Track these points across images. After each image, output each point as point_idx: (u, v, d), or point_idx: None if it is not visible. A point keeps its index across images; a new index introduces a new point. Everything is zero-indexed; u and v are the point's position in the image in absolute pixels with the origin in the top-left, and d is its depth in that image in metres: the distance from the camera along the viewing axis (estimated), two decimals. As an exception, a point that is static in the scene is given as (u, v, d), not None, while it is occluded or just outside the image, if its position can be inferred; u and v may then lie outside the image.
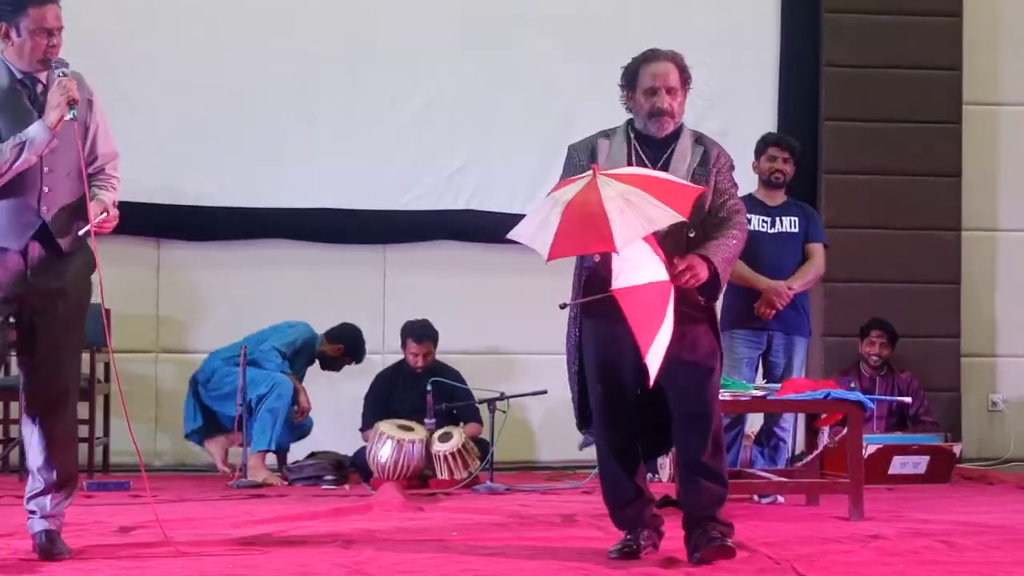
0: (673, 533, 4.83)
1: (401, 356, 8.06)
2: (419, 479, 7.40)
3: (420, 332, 7.88)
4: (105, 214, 4.78)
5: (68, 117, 4.66)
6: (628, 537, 4.76)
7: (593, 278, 4.64)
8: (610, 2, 8.77)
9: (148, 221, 8.39)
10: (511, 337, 8.73)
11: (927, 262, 8.86)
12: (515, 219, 8.86)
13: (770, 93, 8.92)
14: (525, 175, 8.62)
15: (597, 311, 4.63)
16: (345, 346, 8.11)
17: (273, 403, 7.67)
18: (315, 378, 8.51)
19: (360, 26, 8.61)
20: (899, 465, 7.59)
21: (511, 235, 4.52)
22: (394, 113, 8.60)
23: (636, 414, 4.75)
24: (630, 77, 4.76)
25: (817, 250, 6.98)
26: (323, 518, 5.86)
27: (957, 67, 8.98)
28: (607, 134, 4.80)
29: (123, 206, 8.23)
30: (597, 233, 4.30)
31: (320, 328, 8.09)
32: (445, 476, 7.39)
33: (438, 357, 8.01)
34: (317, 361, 8.14)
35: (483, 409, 7.57)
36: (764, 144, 7.03)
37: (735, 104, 8.71)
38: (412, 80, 8.62)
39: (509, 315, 8.69)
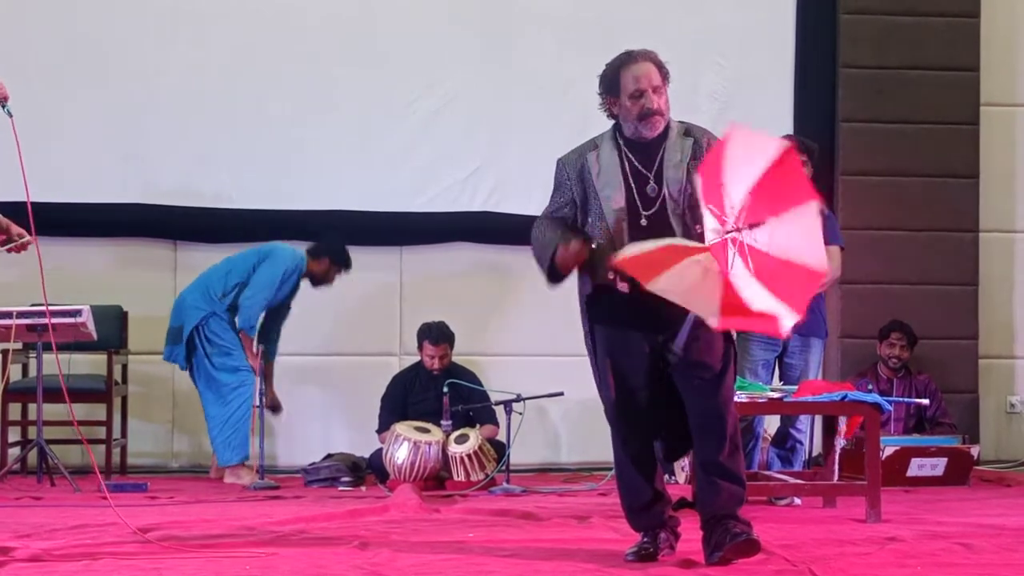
0: (690, 535, 4.82)
1: (417, 358, 8.06)
2: (435, 481, 7.41)
3: (436, 334, 7.88)
4: (25, 238, 4.89)
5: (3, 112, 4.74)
6: (645, 539, 4.75)
7: (596, 294, 4.61)
8: (626, 3, 8.75)
9: (165, 223, 8.44)
10: (527, 339, 8.72)
11: (944, 264, 8.84)
12: (532, 220, 8.92)
13: (787, 95, 8.90)
14: (541, 176, 8.50)
15: (607, 317, 4.62)
16: (329, 258, 8.06)
17: (237, 410, 7.71)
18: (333, 379, 8.53)
19: (376, 28, 8.62)
20: (917, 467, 7.57)
21: (658, 290, 4.35)
22: (410, 115, 8.61)
23: (651, 418, 4.74)
24: (611, 84, 4.71)
25: (833, 253, 6.94)
26: (339, 519, 5.86)
27: (975, 68, 8.95)
28: (595, 143, 4.74)
29: (141, 208, 8.41)
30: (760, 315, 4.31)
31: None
32: (461, 478, 7.39)
33: (454, 359, 8.02)
34: (309, 280, 8.08)
35: (499, 411, 7.57)
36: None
37: (751, 106, 8.69)
38: (428, 82, 8.62)
39: (525, 317, 8.69)
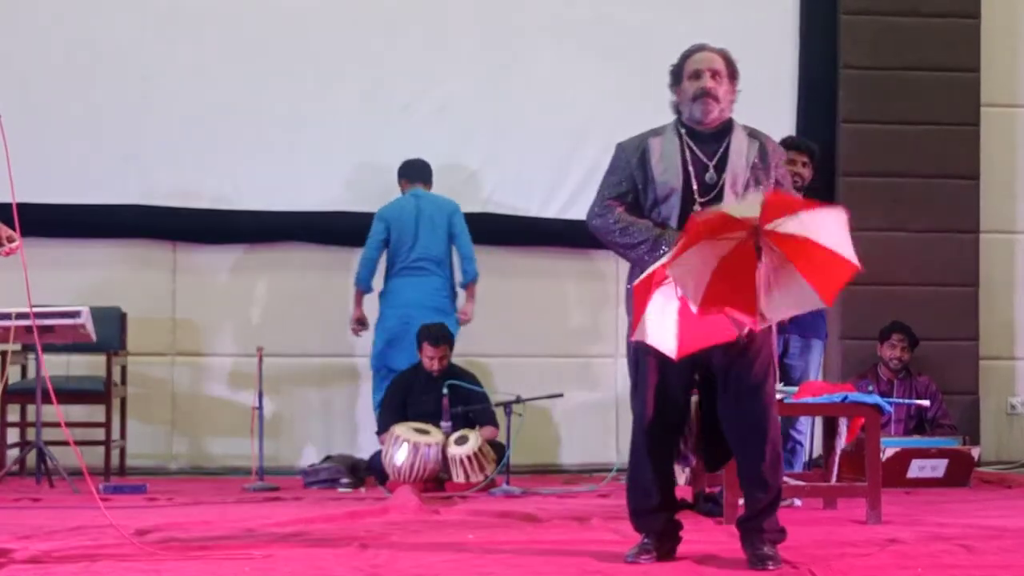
0: (691, 537, 4.82)
1: (417, 359, 8.04)
2: (435, 482, 7.39)
3: (436, 335, 7.86)
4: (15, 242, 4.86)
5: None
6: (646, 541, 4.73)
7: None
8: (626, 4, 8.75)
9: (164, 224, 8.43)
10: (527, 340, 8.71)
11: (945, 265, 8.83)
12: (531, 222, 8.99)
13: (788, 96, 8.89)
14: (541, 177, 8.63)
15: None
16: (405, 179, 8.23)
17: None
18: (333, 380, 8.54)
19: (375, 29, 8.62)
20: (917, 469, 7.56)
21: (647, 338, 4.43)
22: (409, 116, 8.60)
23: (682, 424, 4.72)
24: (677, 71, 4.75)
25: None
26: (339, 521, 5.85)
27: (975, 69, 8.95)
28: (657, 132, 4.74)
29: (140, 209, 8.40)
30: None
31: None
32: (461, 479, 7.38)
33: (454, 360, 8.00)
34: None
35: (499, 412, 7.56)
36: (783, 148, 6.98)
37: (753, 107, 8.49)
38: (427, 83, 8.61)
39: (525, 317, 8.69)
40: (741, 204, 4.35)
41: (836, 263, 4.35)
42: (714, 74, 4.68)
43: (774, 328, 4.73)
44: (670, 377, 4.62)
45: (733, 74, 4.74)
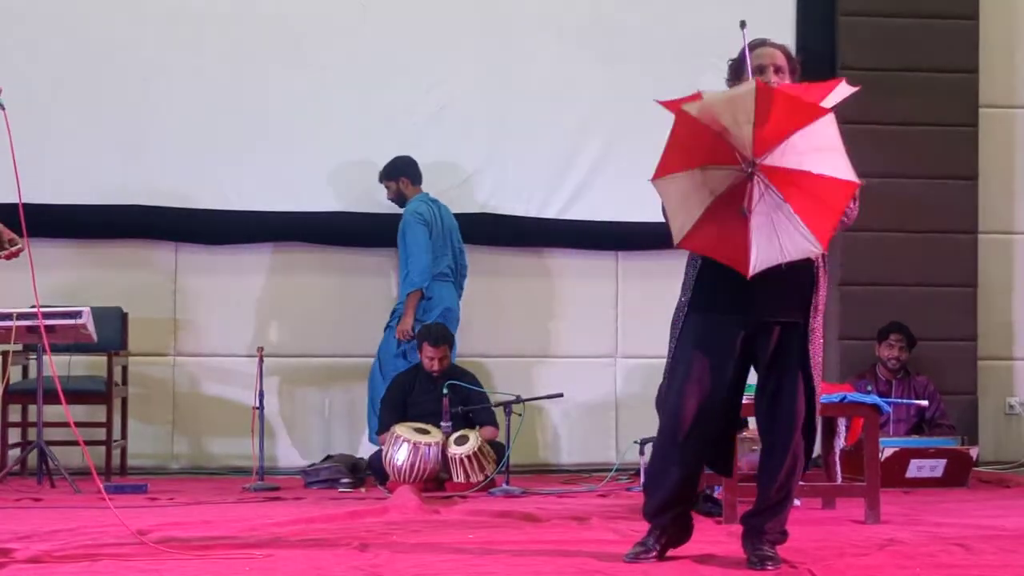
0: (695, 536, 4.84)
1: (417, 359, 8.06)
2: (435, 482, 7.41)
3: (436, 336, 7.88)
4: (17, 245, 4.85)
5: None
6: (648, 538, 4.72)
7: (706, 271, 4.54)
8: (624, 5, 8.76)
9: (165, 225, 8.43)
10: (527, 340, 8.73)
11: (943, 265, 8.84)
12: (531, 222, 8.96)
13: (786, 96, 8.89)
14: (540, 178, 8.63)
15: (704, 304, 4.55)
16: (407, 179, 8.24)
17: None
18: (333, 380, 8.55)
19: (375, 32, 8.62)
20: (916, 469, 7.57)
21: (654, 181, 4.28)
22: (409, 116, 8.61)
23: (721, 417, 4.64)
24: (737, 65, 4.72)
25: (832, 254, 6.95)
26: (339, 521, 5.86)
27: (973, 70, 8.96)
28: None
29: (141, 210, 8.41)
30: (734, 249, 4.18)
31: None
32: (461, 479, 7.39)
33: (454, 360, 8.02)
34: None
35: (499, 412, 7.57)
36: None
37: (751, 107, 8.68)
38: (426, 84, 8.62)
39: (525, 318, 8.70)
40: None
41: (831, 189, 4.36)
42: (777, 69, 4.68)
43: (819, 330, 4.64)
44: (713, 366, 4.55)
45: (794, 70, 4.73)
